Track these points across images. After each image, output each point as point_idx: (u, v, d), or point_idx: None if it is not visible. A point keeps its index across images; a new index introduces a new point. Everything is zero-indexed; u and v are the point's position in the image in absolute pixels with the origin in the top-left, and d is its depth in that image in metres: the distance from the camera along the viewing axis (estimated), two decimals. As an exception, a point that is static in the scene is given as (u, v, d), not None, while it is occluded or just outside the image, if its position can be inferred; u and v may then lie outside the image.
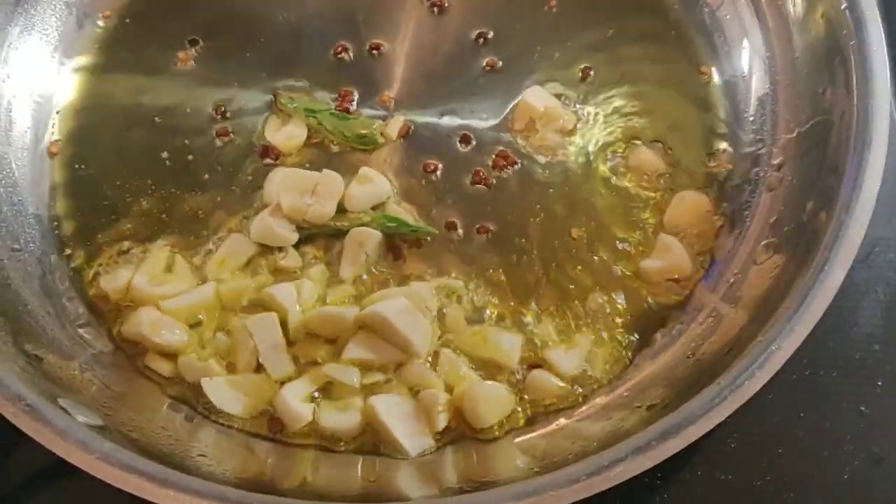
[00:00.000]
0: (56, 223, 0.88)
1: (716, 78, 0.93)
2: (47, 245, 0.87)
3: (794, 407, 0.83)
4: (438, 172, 0.90)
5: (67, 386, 0.76)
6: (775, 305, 0.74)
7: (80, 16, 0.96)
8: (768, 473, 0.80)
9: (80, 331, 0.84)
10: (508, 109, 0.92)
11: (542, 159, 0.90)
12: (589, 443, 0.74)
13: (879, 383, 0.84)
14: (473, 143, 0.91)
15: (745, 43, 0.93)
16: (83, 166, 0.91)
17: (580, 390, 0.81)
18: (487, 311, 0.84)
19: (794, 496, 0.80)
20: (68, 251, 0.87)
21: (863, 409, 0.83)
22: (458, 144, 0.91)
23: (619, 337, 0.84)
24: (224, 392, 0.80)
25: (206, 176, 0.90)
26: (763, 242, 0.84)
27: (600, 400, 0.81)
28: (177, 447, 0.76)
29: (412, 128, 0.92)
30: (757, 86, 0.92)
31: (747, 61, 0.93)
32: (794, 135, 0.87)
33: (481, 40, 0.95)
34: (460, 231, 0.87)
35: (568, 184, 0.89)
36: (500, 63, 0.94)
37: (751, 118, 0.91)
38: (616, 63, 0.94)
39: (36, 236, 0.87)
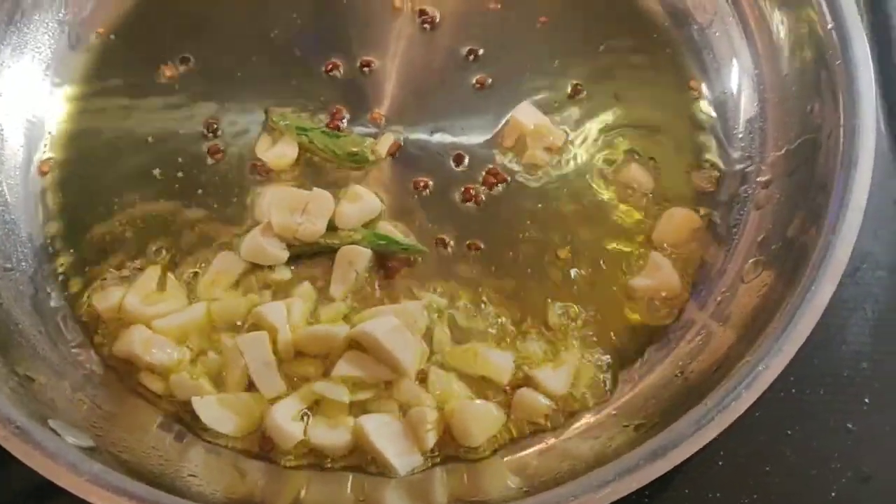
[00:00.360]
0: (48, 242, 0.89)
1: (705, 95, 0.93)
2: (39, 264, 0.88)
3: (781, 425, 0.84)
4: (429, 189, 0.90)
5: (58, 406, 0.77)
6: (763, 324, 0.74)
7: (73, 34, 0.97)
8: (756, 492, 0.81)
9: (72, 350, 0.84)
10: (499, 127, 0.92)
11: (531, 177, 0.91)
12: (578, 462, 0.75)
13: (867, 401, 0.84)
14: (466, 161, 0.91)
15: (734, 61, 0.94)
16: (75, 186, 0.91)
17: (567, 409, 0.82)
18: (477, 329, 0.85)
19: (781, 514, 0.80)
20: (60, 270, 0.87)
21: (850, 426, 0.83)
22: (450, 163, 0.91)
23: (599, 357, 0.84)
24: (215, 411, 0.80)
25: (198, 193, 0.90)
26: (751, 260, 0.85)
27: (587, 419, 0.82)
28: (167, 467, 0.76)
29: (402, 145, 0.92)
30: (746, 104, 0.92)
31: (736, 79, 0.94)
32: (783, 152, 0.87)
33: (471, 57, 0.95)
34: (450, 248, 0.88)
35: (556, 201, 0.89)
36: (490, 80, 0.94)
37: (740, 135, 0.92)
38: (606, 80, 0.94)
39: (28, 255, 0.88)
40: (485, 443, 0.80)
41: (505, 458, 0.80)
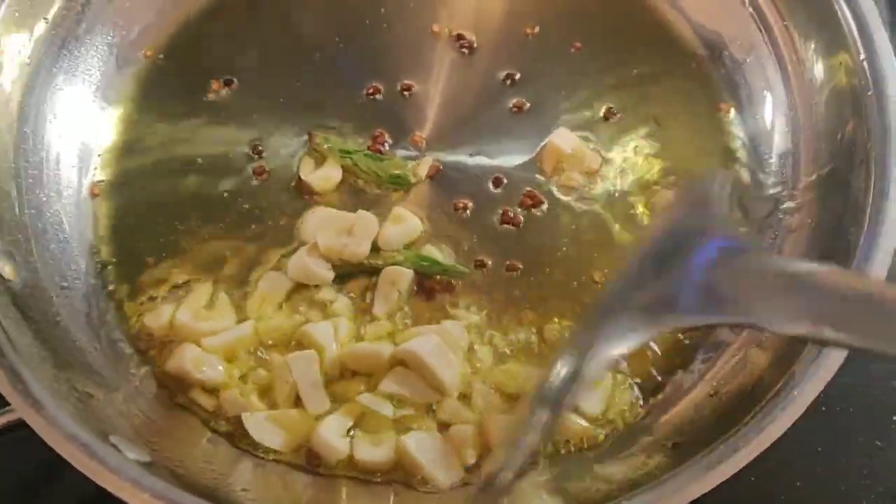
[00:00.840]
0: (100, 261, 0.92)
1: (736, 120, 0.96)
2: (92, 282, 0.90)
3: (811, 441, 0.86)
4: (468, 211, 0.93)
5: (115, 422, 0.79)
6: (798, 348, 0.76)
7: (120, 56, 1.00)
8: (791, 505, 0.83)
9: (126, 366, 0.87)
10: (537, 150, 0.95)
11: (567, 199, 0.93)
12: (611, 484, 0.77)
13: (895, 419, 0.87)
14: (504, 182, 0.94)
15: (767, 93, 0.96)
16: (125, 206, 0.94)
17: (601, 430, 0.84)
18: (516, 348, 0.87)
19: (813, 530, 0.83)
20: (112, 288, 0.90)
21: (879, 444, 0.86)
22: (489, 185, 0.94)
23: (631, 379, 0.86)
24: (264, 426, 0.83)
25: (245, 213, 0.93)
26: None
27: (622, 439, 0.84)
28: (220, 482, 0.79)
29: (442, 168, 0.95)
30: (778, 129, 0.95)
31: (770, 109, 0.96)
32: (814, 178, 0.90)
33: (508, 81, 0.98)
34: (488, 269, 0.90)
35: (592, 225, 0.92)
36: (528, 105, 0.97)
37: (771, 160, 0.94)
38: (640, 104, 0.97)
39: (81, 273, 0.90)
40: (524, 461, 0.83)
41: (539, 479, 0.83)
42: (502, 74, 0.99)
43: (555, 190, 0.94)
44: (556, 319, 0.88)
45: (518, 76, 0.98)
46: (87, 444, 0.70)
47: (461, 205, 0.93)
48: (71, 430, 0.71)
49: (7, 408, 0.73)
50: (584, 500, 0.76)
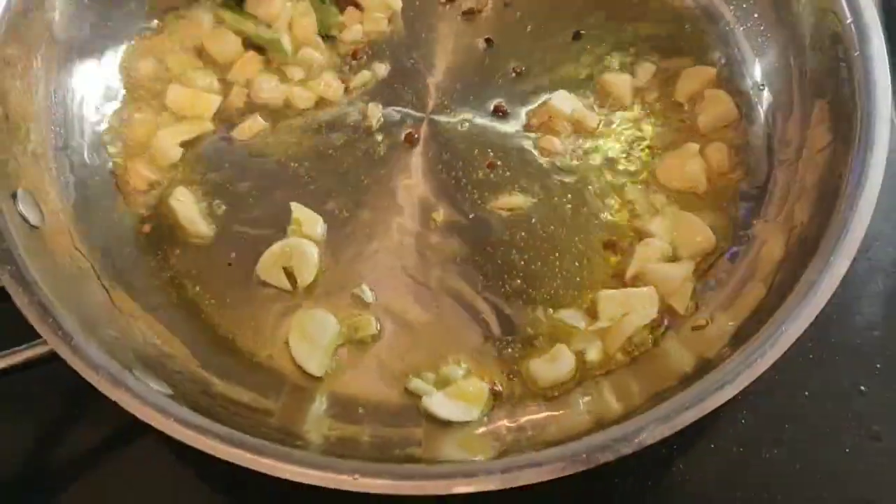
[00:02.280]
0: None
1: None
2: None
3: (800, 387, 0.90)
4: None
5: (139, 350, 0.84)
6: (785, 293, 0.80)
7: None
8: (776, 447, 0.88)
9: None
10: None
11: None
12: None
13: (878, 366, 0.91)
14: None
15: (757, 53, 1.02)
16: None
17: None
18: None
19: (799, 467, 0.87)
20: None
21: (863, 389, 0.90)
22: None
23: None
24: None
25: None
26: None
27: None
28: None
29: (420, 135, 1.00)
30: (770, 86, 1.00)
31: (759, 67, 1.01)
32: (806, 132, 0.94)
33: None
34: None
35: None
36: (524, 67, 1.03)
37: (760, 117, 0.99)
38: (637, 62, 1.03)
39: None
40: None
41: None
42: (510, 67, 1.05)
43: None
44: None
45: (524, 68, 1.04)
46: (116, 375, 0.74)
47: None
48: (100, 360, 0.75)
49: (39, 340, 0.76)
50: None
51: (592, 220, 0.94)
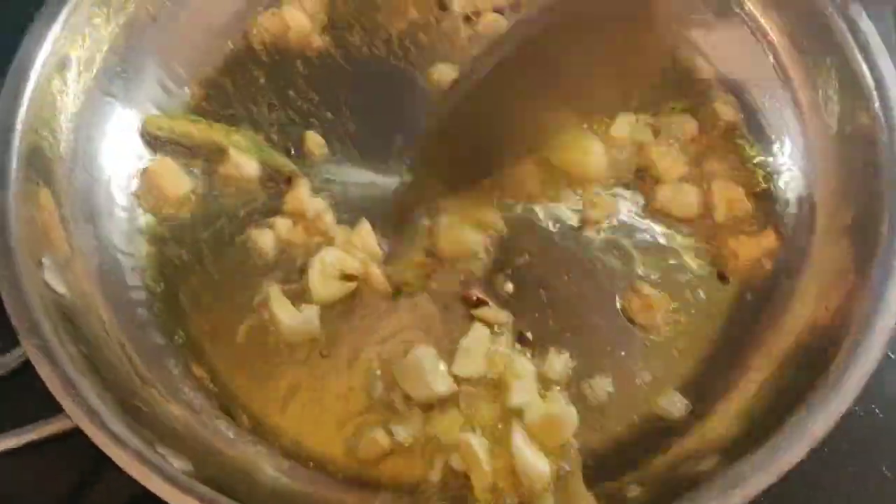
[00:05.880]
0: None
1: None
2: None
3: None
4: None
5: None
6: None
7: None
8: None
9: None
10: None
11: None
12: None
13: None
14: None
15: (785, 137, 1.01)
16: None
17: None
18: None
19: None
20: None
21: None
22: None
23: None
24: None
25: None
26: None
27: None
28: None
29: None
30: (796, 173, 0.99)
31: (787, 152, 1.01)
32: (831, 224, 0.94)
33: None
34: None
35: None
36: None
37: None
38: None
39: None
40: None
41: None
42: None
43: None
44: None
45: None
46: (139, 451, 0.74)
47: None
48: (124, 436, 0.74)
49: (60, 414, 0.76)
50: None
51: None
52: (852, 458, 0.90)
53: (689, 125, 1.01)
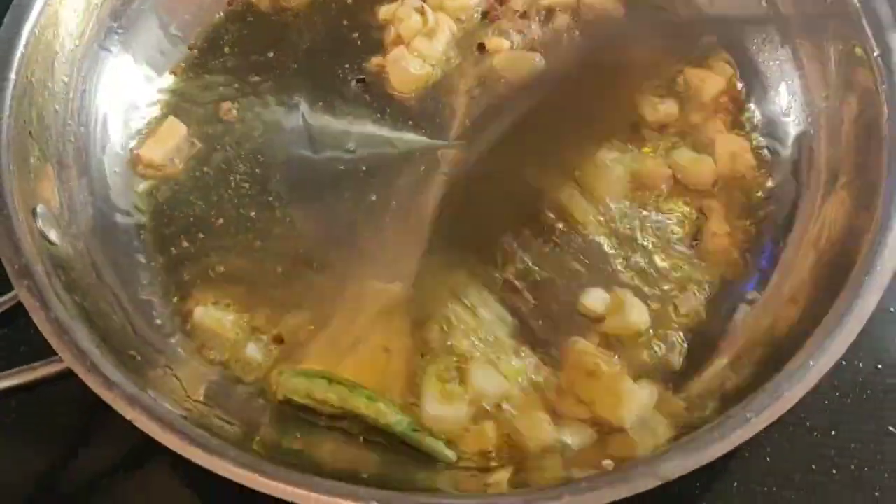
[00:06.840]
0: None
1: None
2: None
3: (826, 427, 0.88)
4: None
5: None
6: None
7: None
8: (802, 487, 0.85)
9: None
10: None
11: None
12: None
13: (904, 410, 0.89)
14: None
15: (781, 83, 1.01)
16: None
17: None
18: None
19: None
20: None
21: (891, 429, 0.88)
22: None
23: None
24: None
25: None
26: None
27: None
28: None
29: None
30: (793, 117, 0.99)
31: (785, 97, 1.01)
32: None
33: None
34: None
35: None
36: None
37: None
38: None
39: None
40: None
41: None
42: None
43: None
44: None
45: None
46: (133, 395, 0.72)
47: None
48: (116, 378, 0.73)
49: (54, 357, 0.75)
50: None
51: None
52: (857, 417, 0.89)
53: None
